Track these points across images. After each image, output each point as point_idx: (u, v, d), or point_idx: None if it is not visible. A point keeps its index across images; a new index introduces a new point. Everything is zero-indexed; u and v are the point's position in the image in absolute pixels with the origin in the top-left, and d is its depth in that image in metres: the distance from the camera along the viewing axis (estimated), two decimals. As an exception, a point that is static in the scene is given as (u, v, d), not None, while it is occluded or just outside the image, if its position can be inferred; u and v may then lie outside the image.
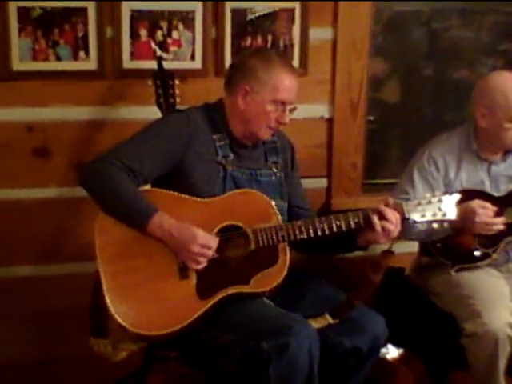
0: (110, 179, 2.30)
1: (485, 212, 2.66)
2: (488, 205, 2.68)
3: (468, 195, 2.67)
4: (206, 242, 2.29)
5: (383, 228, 2.37)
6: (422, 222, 2.47)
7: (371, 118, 3.51)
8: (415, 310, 2.91)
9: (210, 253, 2.31)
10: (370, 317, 2.44)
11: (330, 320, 2.42)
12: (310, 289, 2.53)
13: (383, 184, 3.49)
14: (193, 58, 3.05)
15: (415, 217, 2.41)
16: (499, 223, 2.70)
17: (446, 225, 2.51)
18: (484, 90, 2.80)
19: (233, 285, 2.33)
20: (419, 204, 2.41)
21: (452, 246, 2.79)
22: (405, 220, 2.42)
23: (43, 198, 3.02)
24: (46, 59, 2.92)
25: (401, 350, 3.09)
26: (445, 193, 2.47)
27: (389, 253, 3.25)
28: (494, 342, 2.57)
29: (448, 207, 2.41)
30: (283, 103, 2.45)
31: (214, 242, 2.32)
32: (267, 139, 2.55)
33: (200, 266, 2.32)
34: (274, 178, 2.56)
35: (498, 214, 2.70)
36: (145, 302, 2.29)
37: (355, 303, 2.47)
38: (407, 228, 2.56)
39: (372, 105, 3.48)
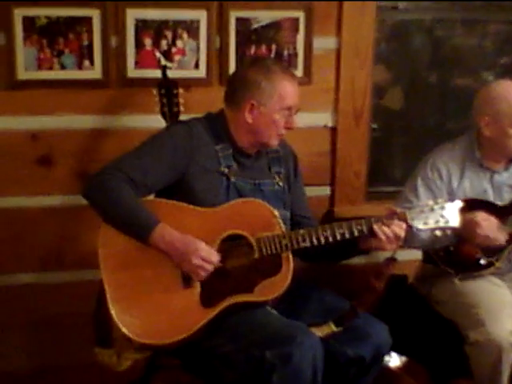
0: (113, 191, 2.31)
1: (487, 225, 2.67)
2: (492, 218, 2.69)
3: (471, 204, 2.67)
4: (207, 256, 2.30)
5: (387, 236, 2.38)
6: (425, 230, 2.48)
7: (374, 126, 3.51)
8: (418, 318, 2.91)
9: (211, 267, 2.32)
10: (374, 325, 2.45)
11: (333, 328, 2.42)
12: (314, 297, 2.54)
13: (387, 192, 3.48)
14: (197, 66, 3.06)
15: (418, 224, 2.42)
16: (501, 238, 2.70)
17: (449, 232, 2.51)
18: (487, 98, 2.80)
19: (237, 293, 2.34)
20: (422, 211, 2.42)
21: (455, 255, 2.79)
22: (408, 228, 2.42)
23: (47, 206, 3.03)
24: (51, 68, 2.93)
25: (404, 359, 3.09)
26: (447, 200, 2.48)
27: (392, 260, 3.24)
28: (497, 350, 2.57)
29: (451, 214, 2.41)
30: (289, 108, 2.47)
31: (215, 256, 2.33)
32: (275, 146, 2.56)
33: (200, 278, 2.33)
34: (276, 187, 2.56)
35: (502, 224, 2.71)
36: (149, 312, 2.30)
37: (359, 312, 2.47)
38: (411, 236, 2.56)
39: (375, 113, 3.49)
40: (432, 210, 2.42)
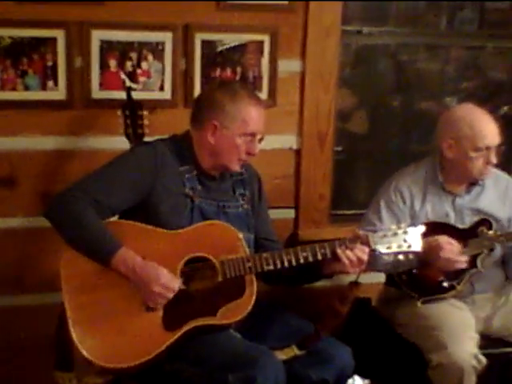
0: (76, 213, 2.29)
1: (450, 248, 2.70)
2: (454, 242, 2.72)
3: (433, 227, 2.70)
4: (168, 284, 2.29)
5: (350, 260, 2.39)
6: (387, 254, 2.50)
7: (339, 148, 3.54)
8: (382, 341, 2.92)
9: (171, 295, 2.31)
10: (337, 348, 2.45)
11: (296, 351, 2.42)
12: (277, 320, 2.54)
13: (351, 215, 3.50)
14: (162, 88, 3.06)
15: (381, 248, 2.44)
16: (462, 262, 2.73)
17: (411, 256, 2.53)
18: (449, 121, 2.85)
19: (200, 317, 2.32)
20: (385, 236, 2.44)
21: (418, 278, 2.81)
22: (371, 251, 2.44)
23: (9, 227, 2.99)
24: (15, 89, 2.90)
25: (367, 382, 3.09)
26: (410, 225, 2.50)
27: (355, 284, 3.26)
28: (459, 373, 2.59)
29: (413, 239, 2.44)
30: (253, 135, 2.47)
31: (176, 284, 2.32)
32: (237, 171, 2.56)
33: (158, 306, 2.32)
34: (241, 209, 2.57)
35: (463, 247, 2.74)
36: (111, 335, 2.28)
37: (322, 335, 2.47)
38: (374, 259, 2.57)
39: (339, 136, 3.51)
40: (395, 234, 2.44)
